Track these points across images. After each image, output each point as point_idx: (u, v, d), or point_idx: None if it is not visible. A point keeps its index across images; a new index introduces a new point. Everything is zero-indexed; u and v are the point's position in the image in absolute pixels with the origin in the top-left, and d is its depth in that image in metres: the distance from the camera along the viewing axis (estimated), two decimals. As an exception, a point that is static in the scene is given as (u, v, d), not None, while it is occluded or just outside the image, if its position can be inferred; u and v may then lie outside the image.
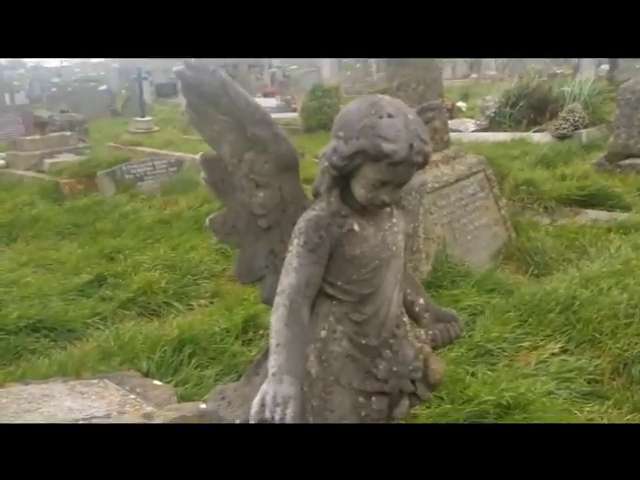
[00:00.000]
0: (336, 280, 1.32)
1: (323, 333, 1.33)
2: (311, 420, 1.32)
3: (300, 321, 1.22)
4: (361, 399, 1.32)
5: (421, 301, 1.49)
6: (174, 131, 10.28)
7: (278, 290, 1.26)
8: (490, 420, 2.32)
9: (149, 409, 2.28)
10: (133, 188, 6.35)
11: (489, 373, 2.72)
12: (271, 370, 1.17)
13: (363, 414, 1.33)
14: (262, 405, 1.12)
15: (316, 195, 1.37)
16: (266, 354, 1.49)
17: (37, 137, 8.43)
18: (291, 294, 1.23)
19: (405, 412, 1.35)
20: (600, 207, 4.97)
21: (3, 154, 8.39)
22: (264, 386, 1.15)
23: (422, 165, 1.24)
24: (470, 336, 3.06)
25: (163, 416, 2.23)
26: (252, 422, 1.14)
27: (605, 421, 2.41)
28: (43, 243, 5.30)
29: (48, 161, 7.40)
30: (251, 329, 3.24)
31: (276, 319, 1.22)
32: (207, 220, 1.45)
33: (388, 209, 1.37)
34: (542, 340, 3.00)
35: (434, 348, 1.45)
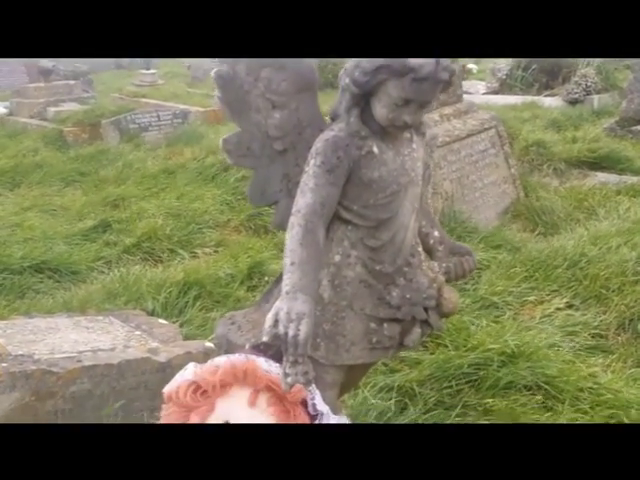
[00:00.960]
0: (352, 204, 1.29)
1: (337, 258, 1.31)
2: (322, 345, 1.31)
3: (315, 241, 1.19)
4: (373, 325, 1.31)
5: (436, 234, 1.46)
6: (179, 84, 10.13)
7: (293, 210, 1.23)
8: (494, 368, 2.33)
9: (154, 345, 2.28)
10: (137, 138, 6.27)
11: (493, 325, 2.72)
12: (285, 288, 1.15)
13: (374, 340, 1.31)
14: (275, 321, 1.10)
15: (334, 118, 1.33)
16: (277, 282, 1.47)
17: (41, 85, 8.30)
18: (307, 214, 1.20)
19: (417, 340, 1.34)
20: (610, 170, 4.92)
21: (6, 103, 8.28)
22: (277, 303, 1.13)
23: (447, 84, 1.19)
24: (475, 289, 3.05)
25: (168, 352, 2.23)
26: (265, 338, 1.13)
27: (609, 374, 2.42)
28: (47, 189, 5.27)
29: (52, 109, 7.30)
30: (256, 275, 3.23)
31: (290, 238, 1.19)
32: (221, 140, 1.41)
33: (408, 134, 1.33)
34: (548, 295, 3.00)
35: (447, 281, 1.43)
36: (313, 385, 1.25)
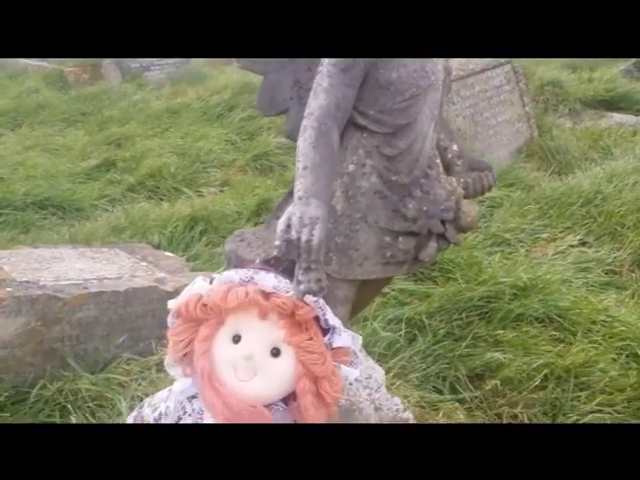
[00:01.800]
0: (368, 109, 1.21)
1: (351, 167, 1.24)
2: (334, 259, 1.26)
3: (329, 145, 1.12)
4: (387, 239, 1.25)
5: (454, 147, 1.39)
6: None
7: (306, 113, 1.15)
8: (505, 301, 2.29)
9: (161, 275, 2.25)
10: (139, 78, 6.12)
11: (505, 261, 2.67)
12: (297, 194, 1.09)
13: (388, 254, 1.26)
14: (288, 226, 1.05)
15: (349, 18, 1.23)
16: (287, 197, 1.41)
17: (39, 25, 8.05)
18: (320, 116, 1.13)
19: (432, 255, 1.28)
20: (626, 111, 4.78)
21: (5, 43, 8.05)
22: (290, 208, 1.07)
23: None
24: (487, 227, 2.99)
25: (175, 282, 2.20)
26: (277, 243, 1.07)
27: (622, 309, 2.38)
28: (48, 129, 5.17)
29: (52, 49, 7.09)
30: (264, 212, 3.17)
31: (303, 141, 1.12)
32: (229, 44, 1.32)
33: None
34: (561, 232, 2.94)
35: (465, 198, 1.36)
36: (322, 301, 1.21)
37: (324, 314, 1.20)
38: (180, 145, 4.32)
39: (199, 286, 1.24)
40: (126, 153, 4.24)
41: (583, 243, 2.87)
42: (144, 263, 2.38)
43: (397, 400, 1.55)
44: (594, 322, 2.21)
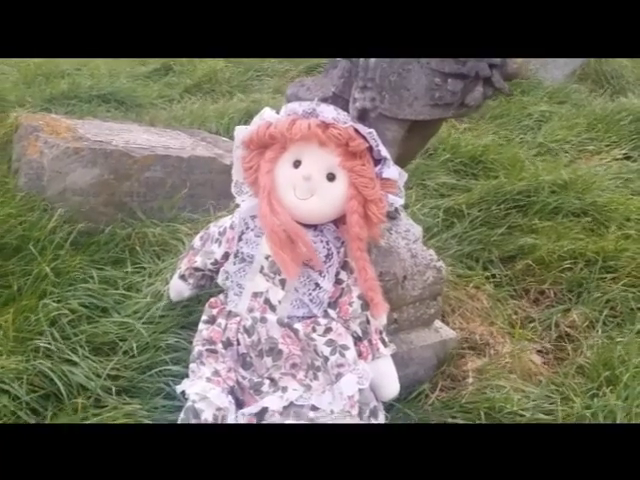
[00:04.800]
0: None
1: None
2: (386, 97, 1.37)
3: None
4: (437, 80, 1.35)
5: None
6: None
7: None
8: (543, 195, 2.38)
9: (220, 152, 2.42)
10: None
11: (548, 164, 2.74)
12: None
13: (437, 95, 1.37)
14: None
15: None
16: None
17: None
18: None
19: (478, 99, 1.38)
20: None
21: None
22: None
23: None
24: (533, 138, 3.04)
25: (231, 156, 2.36)
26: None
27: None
28: (109, 38, 5.33)
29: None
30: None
31: None
32: None
33: None
34: (607, 146, 2.98)
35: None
36: (375, 133, 1.34)
37: (377, 145, 1.34)
38: (235, 54, 4.42)
39: (268, 115, 1.40)
40: (184, 59, 4.38)
41: (628, 157, 2.90)
42: (203, 142, 2.55)
43: (432, 251, 1.69)
44: (628, 219, 2.29)
